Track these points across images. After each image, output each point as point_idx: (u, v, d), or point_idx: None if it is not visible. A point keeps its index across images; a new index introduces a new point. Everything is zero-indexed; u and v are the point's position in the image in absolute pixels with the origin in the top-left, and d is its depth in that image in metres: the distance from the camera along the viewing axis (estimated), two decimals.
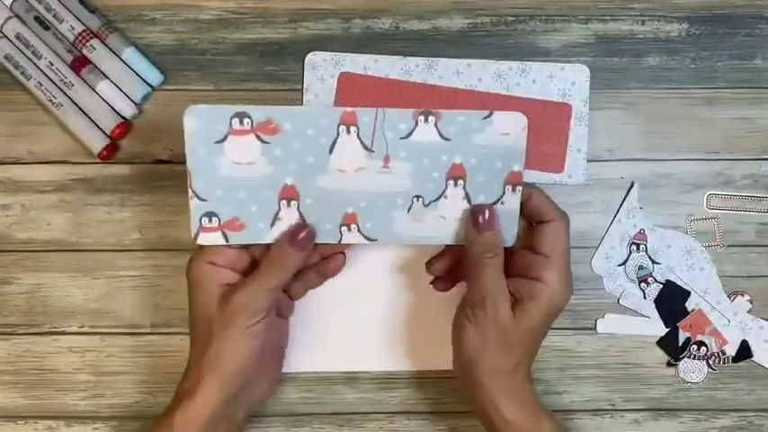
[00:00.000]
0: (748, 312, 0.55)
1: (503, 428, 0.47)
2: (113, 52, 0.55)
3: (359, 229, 0.49)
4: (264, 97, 0.56)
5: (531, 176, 0.55)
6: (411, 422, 0.55)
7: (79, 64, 0.55)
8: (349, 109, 0.47)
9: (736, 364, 0.55)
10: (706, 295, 0.55)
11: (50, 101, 0.54)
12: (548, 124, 0.55)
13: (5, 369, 0.55)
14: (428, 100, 0.55)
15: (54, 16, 0.55)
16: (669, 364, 0.55)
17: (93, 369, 0.55)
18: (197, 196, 0.48)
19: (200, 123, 0.47)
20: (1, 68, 0.56)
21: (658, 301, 0.55)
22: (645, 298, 0.55)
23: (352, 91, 0.55)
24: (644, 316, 0.55)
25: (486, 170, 0.48)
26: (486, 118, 0.48)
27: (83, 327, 0.55)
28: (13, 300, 0.55)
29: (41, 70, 0.55)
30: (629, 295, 0.55)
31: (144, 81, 0.55)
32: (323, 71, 0.56)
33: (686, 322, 0.55)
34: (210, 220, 0.48)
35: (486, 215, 0.48)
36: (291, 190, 0.48)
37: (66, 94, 0.55)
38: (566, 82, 0.56)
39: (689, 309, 0.55)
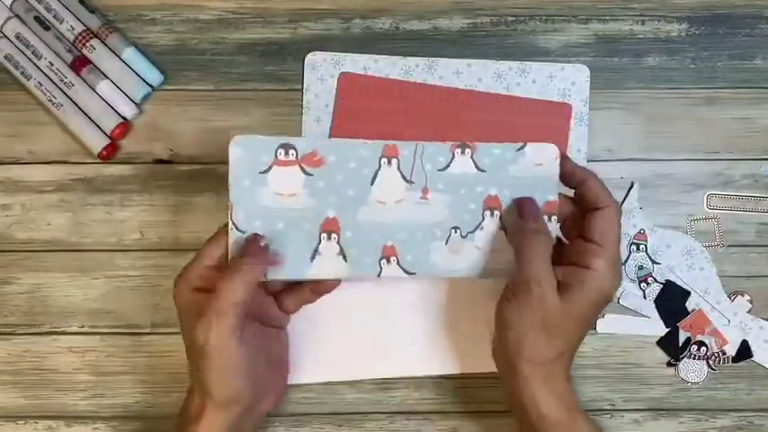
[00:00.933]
0: (748, 312, 0.55)
1: (537, 423, 0.46)
2: (113, 52, 0.55)
3: (398, 262, 0.49)
4: (264, 97, 0.56)
5: None
6: (411, 422, 0.55)
7: (79, 64, 0.55)
8: (391, 143, 0.48)
9: (736, 364, 0.55)
10: (706, 295, 0.55)
11: (50, 101, 0.54)
12: (548, 124, 0.55)
13: (5, 369, 0.55)
14: (428, 100, 0.55)
15: (54, 16, 0.55)
16: (669, 364, 0.55)
17: (93, 369, 0.55)
18: (236, 228, 0.47)
19: (246, 153, 0.47)
20: (1, 68, 0.56)
21: (658, 301, 0.55)
22: (645, 298, 0.55)
23: (352, 91, 0.55)
24: (644, 316, 0.55)
25: None
26: (519, 150, 0.49)
27: (83, 327, 0.55)
28: (13, 300, 0.55)
29: (41, 70, 0.55)
30: (629, 295, 0.55)
31: (144, 81, 0.55)
32: (323, 71, 0.56)
33: (686, 322, 0.55)
34: None
35: (532, 206, 0.48)
36: (333, 223, 0.48)
37: (66, 94, 0.55)
38: (566, 82, 0.56)
39: (689, 309, 0.55)
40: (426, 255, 0.49)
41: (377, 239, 0.49)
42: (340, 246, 0.48)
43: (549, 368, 0.46)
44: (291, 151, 0.47)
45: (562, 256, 0.47)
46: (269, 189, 0.47)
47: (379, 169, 0.48)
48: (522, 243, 0.46)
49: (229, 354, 0.44)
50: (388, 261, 0.49)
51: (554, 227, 0.49)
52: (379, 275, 0.49)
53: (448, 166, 0.48)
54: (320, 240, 0.48)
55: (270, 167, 0.47)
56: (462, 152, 0.48)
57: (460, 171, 0.49)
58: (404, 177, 0.48)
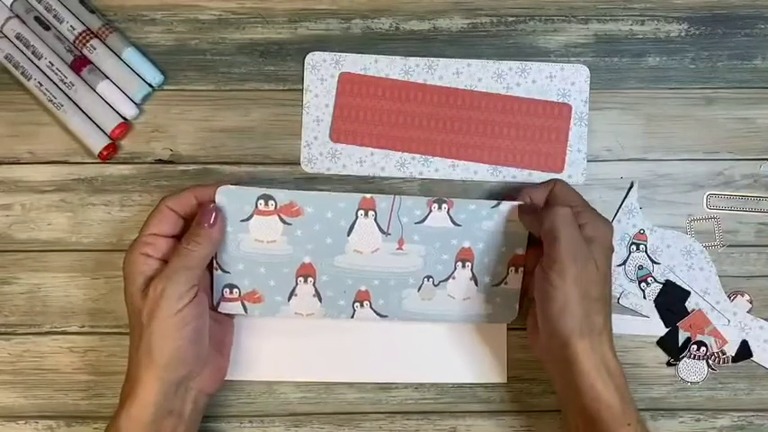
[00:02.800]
0: (748, 312, 0.55)
1: (591, 404, 0.46)
2: (113, 52, 0.55)
3: (371, 306, 0.52)
4: (264, 97, 0.56)
5: (532, 177, 0.55)
6: (411, 422, 0.55)
7: (79, 64, 0.55)
8: (368, 196, 0.51)
9: (736, 364, 0.55)
10: (706, 295, 0.55)
11: (50, 101, 0.54)
12: (548, 124, 0.55)
13: (5, 369, 0.55)
14: (428, 100, 0.55)
15: (54, 16, 0.55)
16: (669, 364, 0.55)
17: (93, 369, 0.55)
18: (220, 268, 0.51)
19: (229, 202, 0.50)
20: (1, 68, 0.56)
21: (658, 301, 0.55)
22: (645, 298, 0.55)
23: (352, 91, 0.55)
24: (644, 316, 0.55)
25: (492, 253, 0.52)
26: (494, 207, 0.51)
27: (83, 327, 0.55)
28: (13, 300, 0.55)
29: (41, 70, 0.55)
30: (629, 295, 0.55)
31: (144, 81, 0.55)
32: (323, 71, 0.56)
33: (686, 322, 0.55)
34: (231, 291, 0.52)
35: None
36: (309, 268, 0.51)
37: (66, 94, 0.55)
38: (565, 82, 0.56)
39: (689, 309, 0.55)
40: (399, 300, 0.52)
41: (351, 284, 0.52)
42: (315, 288, 0.52)
43: (599, 339, 0.47)
44: (271, 202, 0.50)
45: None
46: (250, 236, 0.51)
47: (356, 221, 0.51)
48: (553, 225, 0.47)
49: (179, 311, 0.46)
50: (362, 304, 0.52)
51: (518, 277, 0.52)
52: (352, 317, 0.52)
53: (424, 219, 0.51)
54: (297, 283, 0.52)
55: (251, 216, 0.50)
56: (439, 208, 0.51)
57: (437, 225, 0.51)
58: (380, 229, 0.51)
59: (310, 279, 0.52)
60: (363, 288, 0.52)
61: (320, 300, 0.52)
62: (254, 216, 0.50)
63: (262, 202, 0.50)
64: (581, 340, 0.46)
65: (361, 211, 0.51)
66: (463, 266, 0.52)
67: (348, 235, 0.51)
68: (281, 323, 0.54)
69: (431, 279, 0.52)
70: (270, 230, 0.51)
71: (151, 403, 0.46)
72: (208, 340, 0.49)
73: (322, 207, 0.51)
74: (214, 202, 0.50)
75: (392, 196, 0.51)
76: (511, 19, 0.57)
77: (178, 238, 0.49)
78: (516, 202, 0.51)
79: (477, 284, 0.52)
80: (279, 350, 0.54)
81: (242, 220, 0.50)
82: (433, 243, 0.51)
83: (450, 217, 0.51)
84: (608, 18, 0.57)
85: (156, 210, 0.49)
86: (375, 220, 0.51)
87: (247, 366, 0.54)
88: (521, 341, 0.54)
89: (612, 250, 0.49)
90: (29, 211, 0.55)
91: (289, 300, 0.52)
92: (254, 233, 0.51)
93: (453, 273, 0.52)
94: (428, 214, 0.51)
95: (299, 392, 0.55)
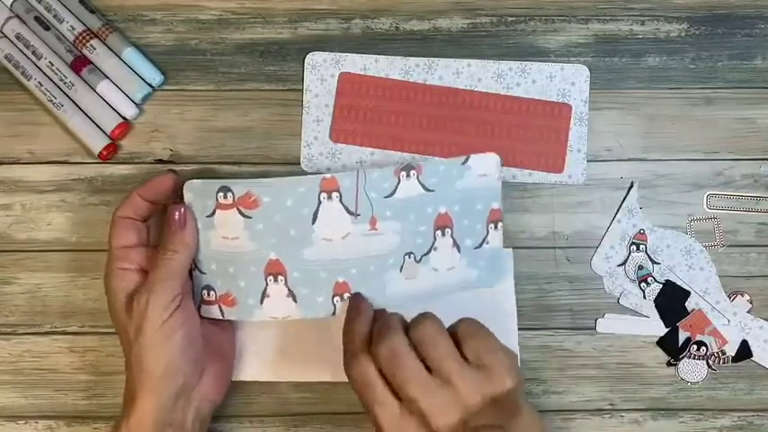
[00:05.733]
0: (748, 312, 0.55)
1: None
2: (113, 52, 0.55)
3: None
4: (264, 97, 0.56)
5: (532, 177, 0.55)
6: None
7: (79, 64, 0.55)
8: (328, 175, 0.46)
9: (736, 364, 0.55)
10: (706, 295, 0.55)
11: (50, 101, 0.54)
12: (548, 124, 0.55)
13: (5, 369, 0.55)
14: (428, 100, 0.55)
15: (54, 16, 0.55)
16: (669, 364, 0.55)
17: (93, 369, 0.55)
18: (198, 268, 0.48)
19: (194, 198, 0.47)
20: (1, 68, 0.56)
21: (658, 301, 0.55)
22: (645, 298, 0.55)
23: (352, 91, 0.55)
24: (644, 316, 0.55)
25: (469, 214, 0.49)
26: (464, 163, 0.48)
27: (83, 327, 0.55)
28: (13, 300, 0.55)
29: (41, 70, 0.55)
30: (628, 295, 0.55)
31: (144, 81, 0.55)
32: (323, 71, 0.56)
33: (686, 322, 0.55)
34: (209, 294, 0.48)
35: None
36: (276, 264, 0.47)
37: (66, 94, 0.55)
38: (565, 82, 0.56)
39: (689, 309, 0.55)
40: (382, 286, 0.48)
41: (327, 277, 0.47)
42: (288, 287, 0.47)
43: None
44: (229, 194, 0.46)
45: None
46: (216, 233, 0.47)
47: (319, 205, 0.46)
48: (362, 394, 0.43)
49: (164, 322, 0.45)
50: (342, 298, 0.47)
51: (499, 234, 0.50)
52: (333, 314, 0.47)
53: (394, 191, 0.47)
54: (267, 283, 0.47)
55: (214, 211, 0.47)
56: (408, 175, 0.47)
57: (408, 195, 0.47)
58: (348, 211, 0.46)
59: (280, 278, 0.47)
60: (341, 279, 0.47)
61: (294, 299, 0.47)
62: (217, 211, 0.46)
63: (221, 194, 0.46)
64: None
65: (324, 194, 0.46)
66: (443, 234, 0.48)
67: (313, 223, 0.46)
68: (280, 323, 0.54)
69: (412, 255, 0.47)
70: (232, 226, 0.46)
71: (149, 418, 0.45)
72: (201, 345, 0.48)
73: (280, 195, 0.46)
74: (180, 201, 0.47)
75: (354, 171, 0.46)
76: (511, 19, 0.57)
77: (148, 243, 0.49)
78: (487, 154, 0.48)
79: (459, 251, 0.49)
80: (278, 350, 0.54)
81: (207, 216, 0.47)
82: (407, 216, 0.47)
83: (421, 183, 0.47)
84: (608, 18, 0.57)
85: (112, 223, 0.49)
86: (341, 201, 0.46)
87: (247, 366, 0.54)
88: (521, 340, 0.54)
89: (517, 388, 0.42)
90: (29, 211, 0.55)
91: (261, 302, 0.47)
92: (218, 229, 0.47)
93: (434, 243, 0.48)
94: (397, 185, 0.47)
95: (298, 392, 0.55)
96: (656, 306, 0.55)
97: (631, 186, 0.55)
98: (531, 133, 0.55)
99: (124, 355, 0.48)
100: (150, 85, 0.55)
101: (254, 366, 0.53)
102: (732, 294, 0.55)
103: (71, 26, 0.55)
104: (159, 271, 0.46)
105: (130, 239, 0.48)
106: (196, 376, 0.48)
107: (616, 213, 0.55)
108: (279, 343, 0.54)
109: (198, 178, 0.48)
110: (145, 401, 0.46)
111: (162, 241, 0.47)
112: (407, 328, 0.43)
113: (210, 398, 0.49)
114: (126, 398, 0.47)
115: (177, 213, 0.47)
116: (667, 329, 0.55)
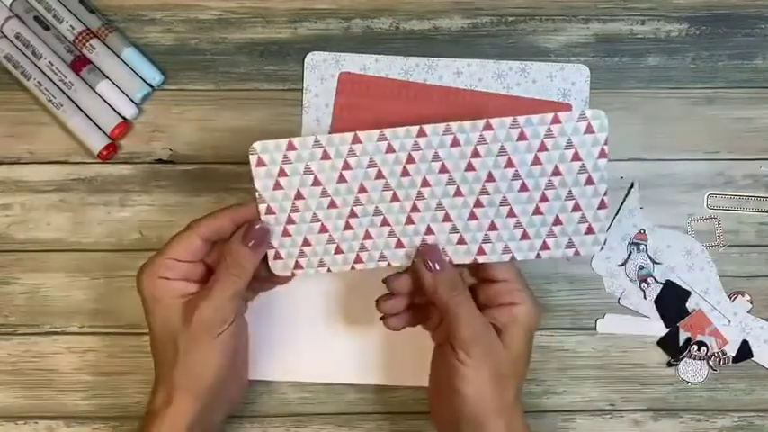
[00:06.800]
0: (748, 312, 0.55)
1: None
2: (113, 52, 0.55)
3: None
4: (264, 97, 0.56)
5: None
6: (411, 422, 0.55)
7: (79, 64, 0.55)
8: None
9: (737, 364, 0.55)
10: (706, 295, 0.55)
11: (50, 101, 0.54)
12: None
13: (6, 369, 0.55)
14: (428, 100, 0.55)
15: (54, 16, 0.55)
16: (669, 364, 0.55)
17: (93, 369, 0.55)
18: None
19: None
20: (1, 68, 0.56)
21: (658, 301, 0.55)
22: (645, 298, 0.55)
23: (352, 91, 0.55)
24: (644, 316, 0.55)
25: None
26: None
27: (83, 327, 0.55)
28: (13, 300, 0.55)
29: (41, 70, 0.55)
30: (629, 295, 0.55)
31: (144, 81, 0.55)
32: (323, 71, 0.56)
33: (686, 322, 0.55)
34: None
35: (434, 255, 0.46)
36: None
37: (66, 94, 0.55)
38: (566, 82, 0.56)
39: (689, 309, 0.55)
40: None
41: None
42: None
43: (510, 413, 0.46)
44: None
45: (476, 300, 0.47)
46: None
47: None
48: (448, 302, 0.45)
49: (219, 335, 0.45)
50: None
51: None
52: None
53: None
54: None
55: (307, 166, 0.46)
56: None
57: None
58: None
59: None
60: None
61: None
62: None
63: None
64: (496, 419, 0.45)
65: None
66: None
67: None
68: (280, 322, 0.54)
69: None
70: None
71: (185, 424, 0.46)
72: (246, 358, 0.50)
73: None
74: (259, 219, 0.46)
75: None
76: (511, 19, 0.57)
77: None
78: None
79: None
80: (279, 350, 0.54)
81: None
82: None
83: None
84: (608, 18, 0.57)
85: (184, 236, 0.46)
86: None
87: (262, 365, 0.54)
88: None
89: (533, 333, 0.47)
90: (29, 211, 0.55)
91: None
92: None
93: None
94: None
95: (298, 392, 0.55)
96: (656, 306, 0.55)
97: (632, 186, 0.55)
98: None
99: (159, 362, 0.47)
100: (150, 85, 0.55)
101: (268, 366, 0.54)
102: (732, 294, 0.55)
103: (71, 26, 0.55)
104: (225, 287, 0.45)
105: (187, 256, 0.47)
106: (237, 387, 0.49)
107: (616, 213, 0.55)
108: (292, 342, 0.54)
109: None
110: (183, 406, 0.46)
111: (231, 254, 0.46)
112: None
113: (234, 399, 0.51)
114: (158, 396, 0.47)
115: (258, 230, 0.46)
116: (668, 329, 0.55)
